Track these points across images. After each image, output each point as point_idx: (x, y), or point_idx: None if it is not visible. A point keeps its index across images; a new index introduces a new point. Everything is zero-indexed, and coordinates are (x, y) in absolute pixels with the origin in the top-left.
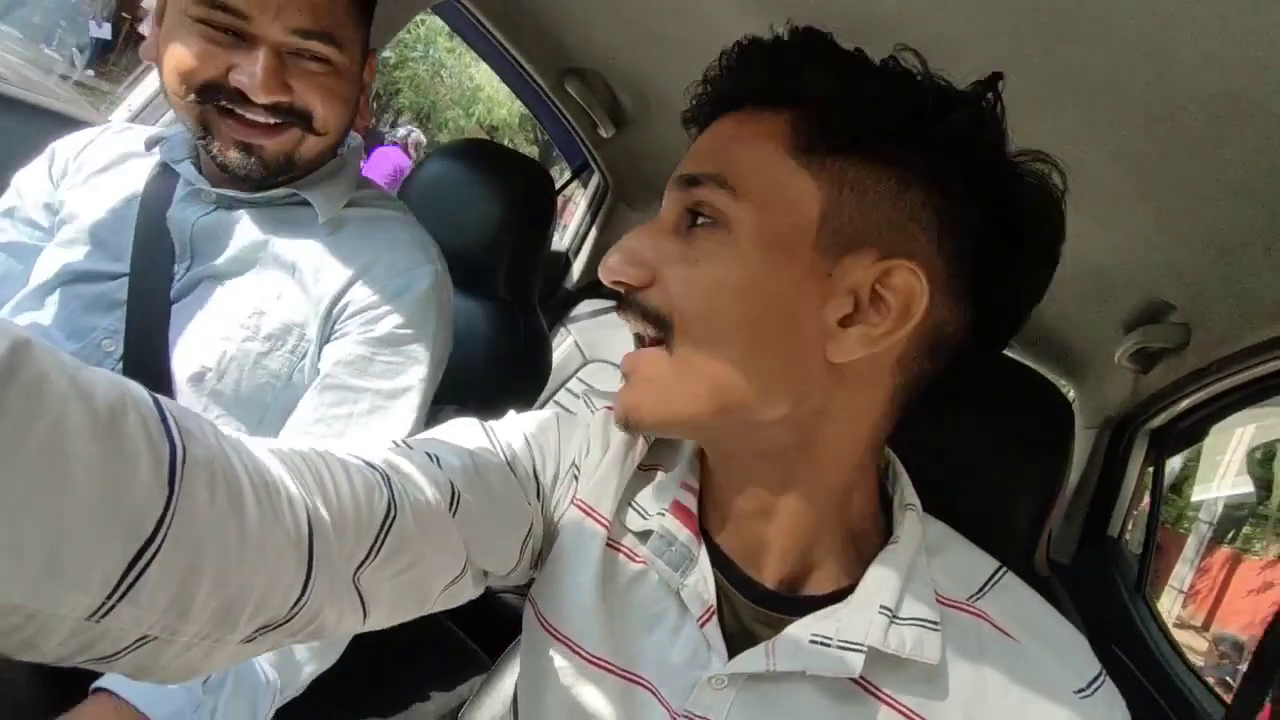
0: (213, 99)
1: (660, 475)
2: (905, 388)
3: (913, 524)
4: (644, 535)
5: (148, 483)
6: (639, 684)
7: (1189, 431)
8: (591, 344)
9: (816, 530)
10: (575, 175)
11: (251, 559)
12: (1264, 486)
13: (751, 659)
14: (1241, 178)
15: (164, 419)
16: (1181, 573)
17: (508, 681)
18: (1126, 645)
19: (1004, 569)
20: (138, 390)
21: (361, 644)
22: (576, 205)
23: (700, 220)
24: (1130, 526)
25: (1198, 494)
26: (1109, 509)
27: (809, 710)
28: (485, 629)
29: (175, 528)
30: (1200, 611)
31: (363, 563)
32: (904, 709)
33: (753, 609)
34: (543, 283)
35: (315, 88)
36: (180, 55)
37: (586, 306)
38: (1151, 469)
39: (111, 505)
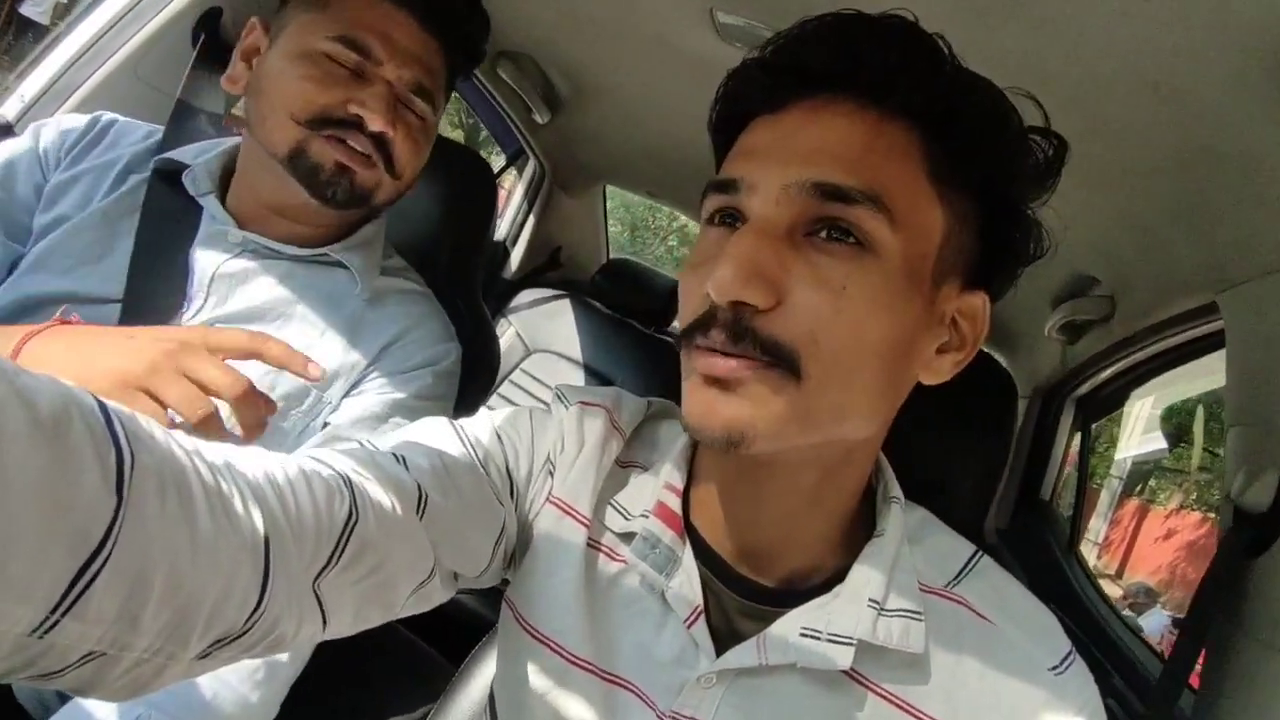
0: (321, 128)
1: (639, 474)
2: None
3: (897, 517)
4: (626, 536)
5: (95, 491)
6: (622, 686)
7: (1112, 398)
8: (533, 334)
9: (799, 529)
10: (511, 162)
11: (204, 568)
12: (1176, 442)
13: (743, 654)
14: (1160, 157)
15: (110, 424)
16: (1096, 526)
17: (476, 685)
18: (1062, 603)
19: (980, 553)
20: (83, 396)
21: (318, 658)
22: (513, 193)
23: (850, 238)
24: (1060, 489)
25: (1110, 452)
26: (1041, 474)
27: (797, 701)
28: (443, 633)
29: (124, 537)
30: (1114, 561)
31: (323, 569)
32: (889, 695)
33: (740, 604)
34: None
35: (409, 136)
36: (300, 82)
37: (526, 296)
38: (1079, 435)
39: (56, 515)
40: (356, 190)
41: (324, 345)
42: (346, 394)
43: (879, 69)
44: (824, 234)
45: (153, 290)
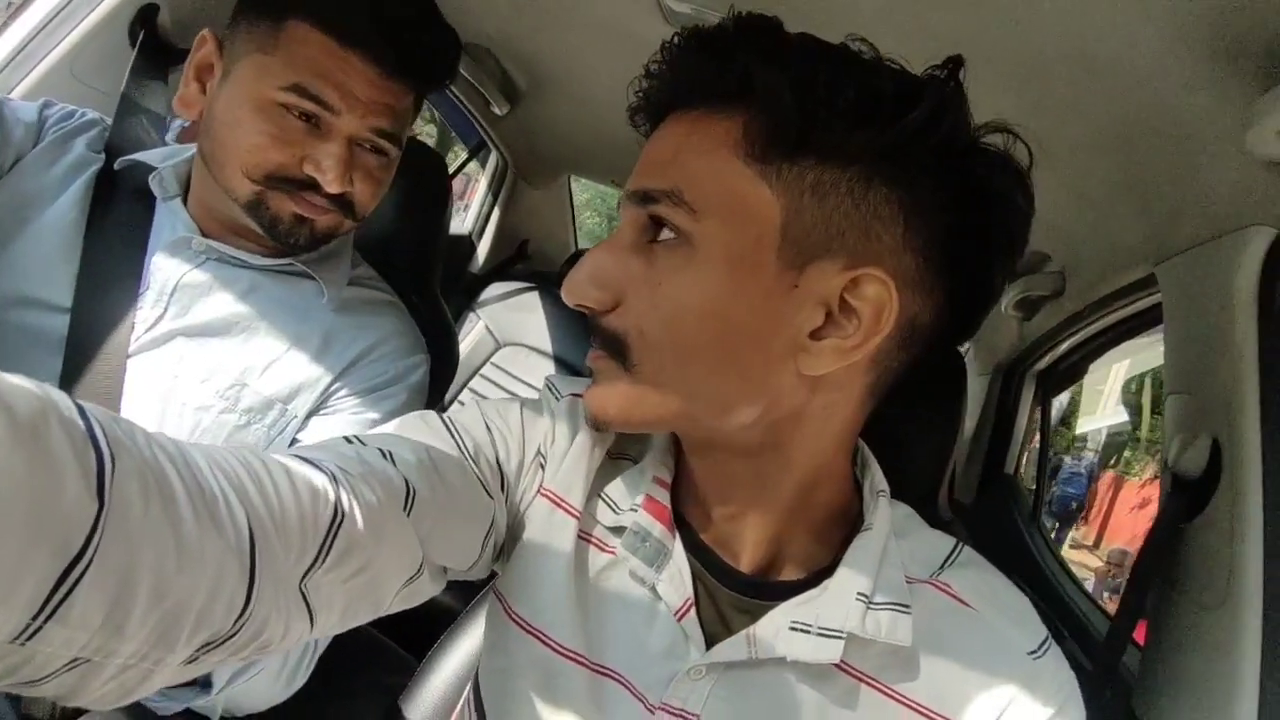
0: (278, 186)
1: (630, 466)
2: (879, 381)
3: (884, 510)
4: (616, 530)
5: (75, 495)
6: (610, 677)
7: (1070, 371)
8: (503, 328)
9: (787, 522)
10: (472, 155)
11: (190, 570)
12: (1138, 413)
13: (732, 648)
14: (1100, 132)
15: (90, 427)
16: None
17: (445, 674)
18: (1025, 572)
19: (961, 545)
20: (61, 398)
21: None
22: (477, 185)
23: (663, 235)
24: (1024, 463)
25: (1084, 426)
26: (1004, 449)
27: (787, 693)
28: (403, 625)
29: (106, 541)
30: (1091, 532)
31: (309, 568)
32: (878, 685)
33: (730, 596)
34: (447, 268)
35: (369, 181)
36: (254, 137)
37: (495, 289)
38: (1040, 408)
39: (36, 520)
40: (318, 235)
41: (290, 358)
42: (316, 411)
43: (706, 77)
44: (653, 235)
45: (105, 300)
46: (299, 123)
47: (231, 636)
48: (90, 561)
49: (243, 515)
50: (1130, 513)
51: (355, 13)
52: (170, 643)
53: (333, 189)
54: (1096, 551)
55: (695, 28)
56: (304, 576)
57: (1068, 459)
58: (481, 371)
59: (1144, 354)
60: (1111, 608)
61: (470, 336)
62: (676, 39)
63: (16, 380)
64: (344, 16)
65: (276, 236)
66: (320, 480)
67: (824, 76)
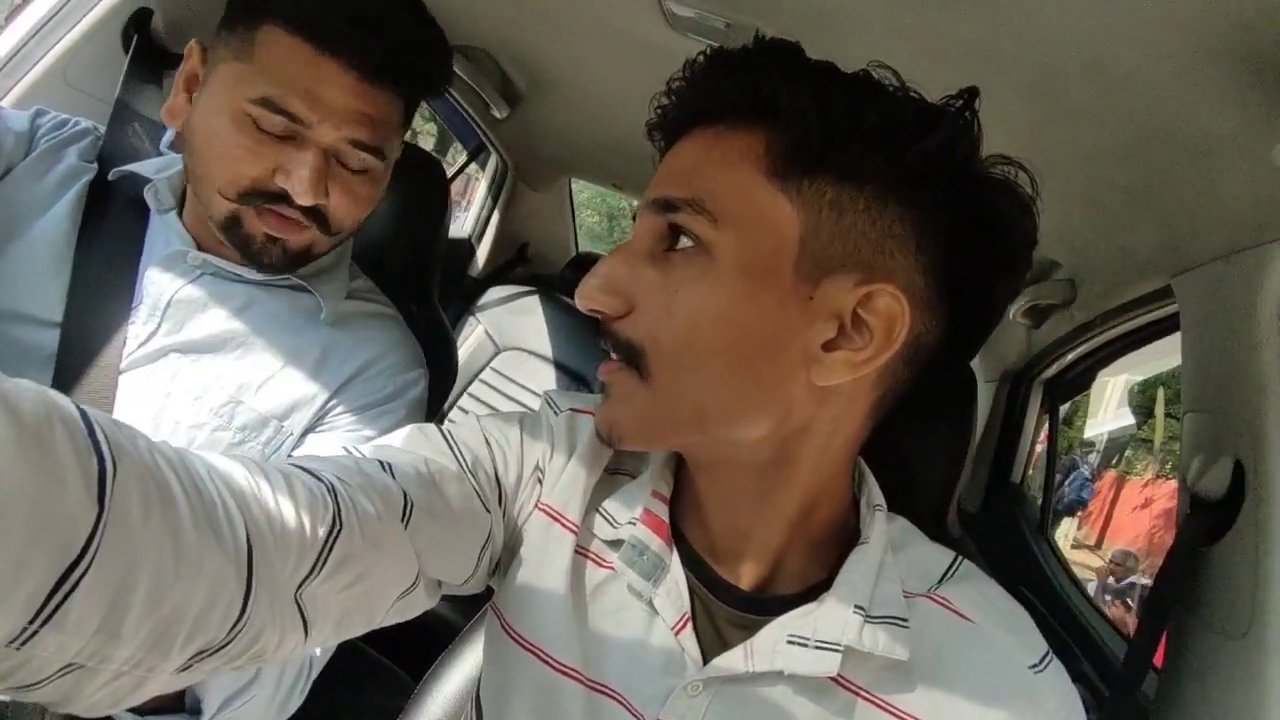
0: (251, 201)
1: (628, 481)
2: (884, 398)
3: (881, 524)
4: (614, 544)
5: (76, 499)
6: (608, 695)
7: (1078, 380)
8: (503, 332)
9: (788, 537)
10: (472, 158)
11: (188, 577)
12: (1143, 415)
13: (729, 661)
14: (1114, 141)
15: (92, 433)
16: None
17: (447, 691)
18: (1031, 584)
19: (960, 559)
20: (64, 403)
21: None
22: (477, 187)
23: (681, 244)
24: (1030, 472)
25: (1086, 428)
26: (1011, 458)
27: (784, 707)
28: (399, 641)
29: (106, 546)
30: (1094, 531)
31: (306, 579)
32: (876, 700)
33: (727, 612)
34: (446, 271)
35: (347, 195)
36: (226, 148)
37: (495, 293)
38: (1047, 417)
39: (37, 523)
40: (290, 254)
41: (286, 374)
42: (312, 428)
43: (731, 95)
44: (669, 245)
45: (96, 315)
46: (272, 134)
47: (226, 645)
48: (89, 566)
49: (241, 524)
50: (1132, 513)
51: (331, 15)
52: (165, 650)
53: (304, 201)
54: (1098, 551)
55: (719, 49)
56: (300, 586)
57: (1080, 465)
58: (481, 376)
59: (1152, 362)
60: (1112, 609)
61: (470, 341)
62: (701, 58)
63: (21, 383)
64: (319, 19)
65: (250, 256)
66: (319, 490)
67: (848, 100)
